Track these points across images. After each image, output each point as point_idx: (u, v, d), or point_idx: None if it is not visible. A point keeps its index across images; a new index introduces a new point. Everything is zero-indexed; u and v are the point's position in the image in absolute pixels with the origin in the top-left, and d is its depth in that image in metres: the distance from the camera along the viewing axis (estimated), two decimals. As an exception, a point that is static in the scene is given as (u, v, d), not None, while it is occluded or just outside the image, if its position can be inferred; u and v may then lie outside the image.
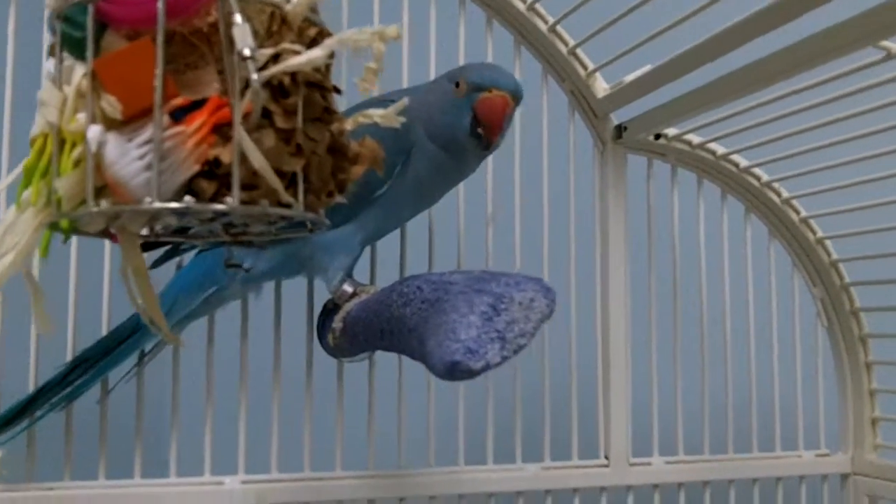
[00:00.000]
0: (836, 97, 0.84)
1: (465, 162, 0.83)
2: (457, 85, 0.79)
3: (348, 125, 0.54)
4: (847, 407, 1.07)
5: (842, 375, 1.07)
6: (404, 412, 0.92)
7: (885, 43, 0.71)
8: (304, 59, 0.48)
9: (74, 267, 0.84)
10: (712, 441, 1.02)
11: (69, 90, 0.51)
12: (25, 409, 0.81)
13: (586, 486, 0.97)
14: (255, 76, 0.47)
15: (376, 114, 0.54)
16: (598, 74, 0.97)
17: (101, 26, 0.50)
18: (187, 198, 0.48)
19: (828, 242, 1.04)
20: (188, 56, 0.50)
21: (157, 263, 0.85)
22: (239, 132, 0.48)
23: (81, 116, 0.49)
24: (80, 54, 0.50)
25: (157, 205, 0.48)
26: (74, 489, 0.83)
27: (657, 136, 0.99)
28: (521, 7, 0.95)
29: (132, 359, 0.85)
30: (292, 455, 0.90)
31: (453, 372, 0.57)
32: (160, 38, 0.47)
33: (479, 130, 0.78)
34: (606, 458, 0.98)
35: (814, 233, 1.04)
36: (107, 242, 0.82)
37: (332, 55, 0.51)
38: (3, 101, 0.83)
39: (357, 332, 0.76)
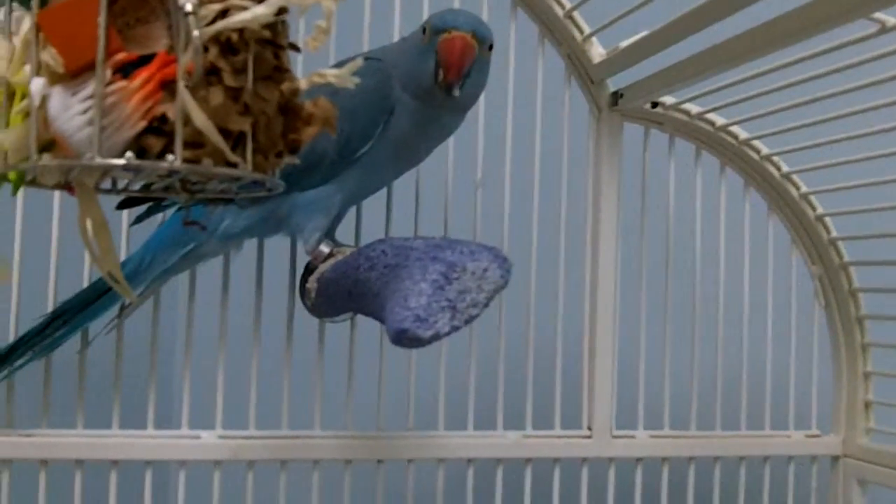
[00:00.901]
0: (838, 69, 0.81)
1: (442, 114, 0.81)
2: (423, 31, 0.78)
3: (302, 84, 0.53)
4: (841, 388, 1.05)
5: (837, 356, 1.05)
6: (385, 374, 0.92)
7: (879, 15, 0.68)
8: (248, 15, 0.47)
9: (57, 218, 0.84)
10: (700, 417, 1.00)
11: (17, 41, 0.50)
12: (5, 358, 0.82)
13: (567, 456, 0.96)
14: (196, 32, 0.46)
15: (330, 73, 0.53)
16: (594, 39, 0.95)
17: (49, -22, 0.49)
18: (129, 154, 0.47)
19: (828, 220, 1.02)
20: (138, 10, 0.50)
21: (139, 220, 0.86)
22: (182, 90, 0.47)
23: (28, 69, 0.49)
24: (27, 5, 0.49)
25: (98, 161, 0.47)
26: (52, 437, 0.84)
27: (654, 105, 0.97)
28: (520, -32, 0.93)
29: (112, 311, 0.85)
30: (270, 412, 0.90)
31: (401, 339, 0.56)
32: (104, -13, 0.47)
33: (440, 73, 0.76)
34: (589, 428, 0.97)
35: (814, 209, 1.02)
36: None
37: (283, 11, 0.49)
38: None
39: (330, 293, 0.76)
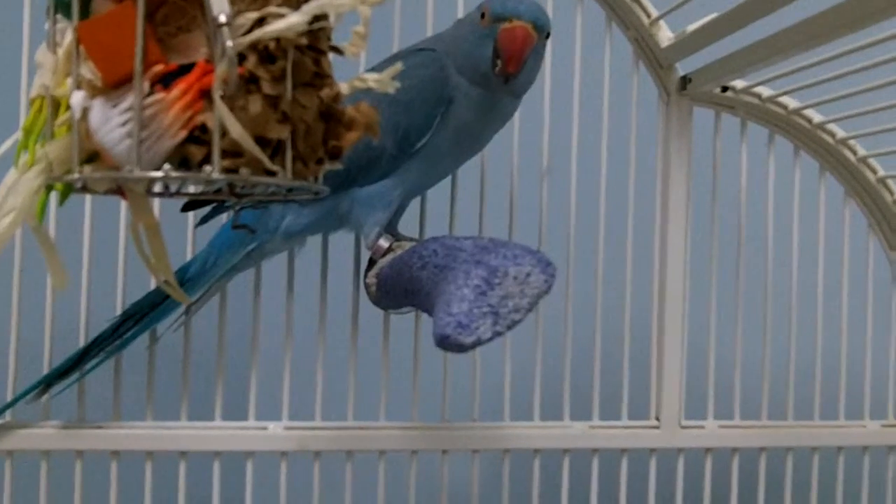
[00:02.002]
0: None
1: (499, 99, 0.80)
2: (482, 16, 0.77)
3: (344, 89, 0.53)
4: (919, 378, 1.02)
5: (917, 345, 1.02)
6: (449, 364, 0.91)
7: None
8: (282, 24, 0.47)
9: (123, 223, 0.86)
10: (771, 406, 0.98)
11: (61, 52, 0.51)
12: (79, 361, 0.84)
13: (635, 447, 0.95)
14: (229, 43, 0.46)
15: (371, 77, 0.53)
16: (661, 22, 0.92)
17: (90, -12, 0.50)
18: (167, 166, 0.48)
19: (906, 204, 0.98)
20: (180, 19, 0.50)
21: (203, 221, 0.87)
22: (218, 101, 0.47)
23: (70, 81, 0.50)
24: (70, 16, 0.50)
25: (137, 174, 0.47)
26: (123, 429, 0.86)
27: (724, 89, 0.94)
28: (584, -48, 0.91)
29: (180, 309, 0.87)
30: (336, 403, 0.91)
31: (444, 345, 0.56)
32: (140, 2, 0.47)
33: (497, 61, 0.76)
34: (657, 419, 0.96)
35: (891, 193, 0.98)
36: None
37: (320, 18, 0.49)
38: (21, 58, 0.83)
39: (388, 289, 0.76)
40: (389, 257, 0.77)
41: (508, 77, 0.76)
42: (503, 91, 0.79)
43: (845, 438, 1.00)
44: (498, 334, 0.58)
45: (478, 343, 0.57)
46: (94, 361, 0.84)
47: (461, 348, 0.56)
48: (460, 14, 0.89)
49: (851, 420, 1.00)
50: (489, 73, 0.77)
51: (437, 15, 0.91)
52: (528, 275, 0.59)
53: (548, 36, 0.79)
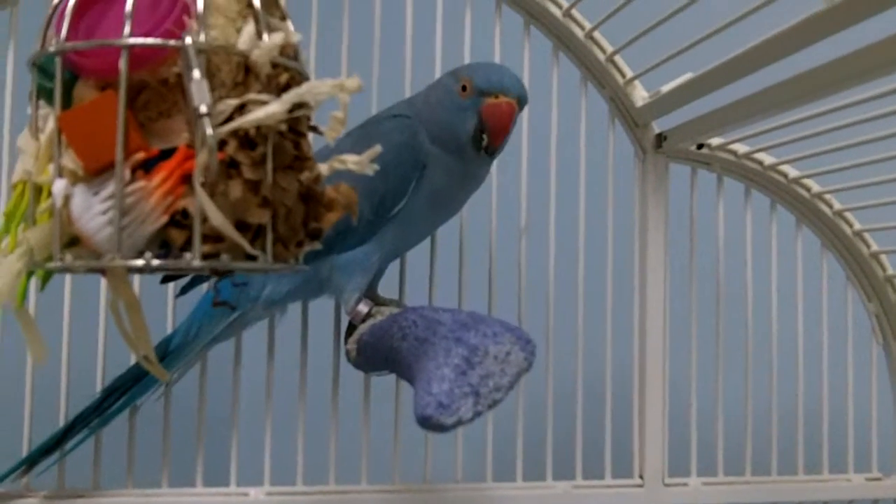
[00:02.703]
0: (889, 113, 0.79)
1: (473, 166, 0.81)
2: (463, 88, 0.78)
3: (323, 170, 0.53)
4: (901, 428, 1.02)
5: (897, 395, 1.02)
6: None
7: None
8: (262, 113, 0.47)
9: (103, 297, 0.86)
10: (755, 461, 0.98)
11: (43, 139, 0.51)
12: (63, 437, 0.83)
13: (619, 505, 0.95)
14: (209, 132, 0.46)
15: (350, 160, 0.53)
16: (636, 82, 0.94)
17: (73, 76, 0.50)
18: (148, 254, 0.48)
19: (883, 257, 0.99)
20: (161, 104, 0.50)
21: (184, 291, 0.87)
22: (199, 189, 0.47)
23: (52, 167, 0.50)
24: (52, 102, 0.50)
25: (119, 262, 0.47)
26: (105, 497, 0.85)
27: (700, 146, 0.95)
28: (558, 13, 0.92)
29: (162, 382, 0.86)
30: (318, 467, 0.90)
31: (425, 425, 0.56)
32: (122, 92, 0.47)
33: (483, 135, 0.77)
34: (641, 477, 0.95)
35: (868, 246, 0.99)
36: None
37: (299, 107, 0.49)
38: (2, 141, 0.84)
39: (368, 356, 0.76)
40: (369, 323, 0.77)
41: (494, 151, 0.78)
42: (482, 160, 0.80)
43: (830, 493, 1.00)
44: (478, 414, 0.58)
45: (459, 423, 0.57)
46: (77, 437, 0.84)
47: (442, 428, 0.56)
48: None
49: (835, 474, 1.01)
50: (468, 144, 0.78)
51: (415, 79, 0.92)
52: (508, 353, 0.59)
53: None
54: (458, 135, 0.78)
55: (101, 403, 0.83)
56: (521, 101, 0.78)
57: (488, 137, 0.76)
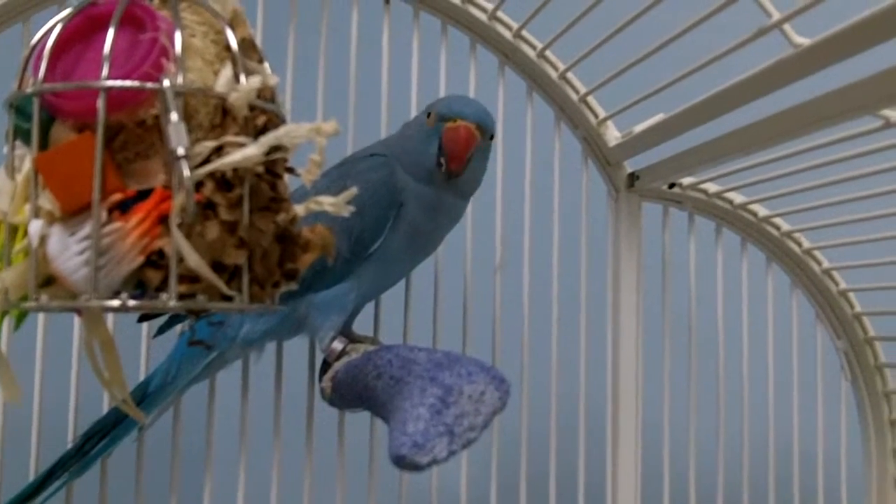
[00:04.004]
0: (856, 154, 0.80)
1: (447, 197, 0.81)
2: (428, 116, 0.80)
3: (300, 212, 0.53)
4: (870, 465, 1.03)
5: (865, 432, 1.03)
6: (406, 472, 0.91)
7: (885, 112, 0.67)
8: (239, 156, 0.48)
9: (77, 338, 0.86)
10: (727, 499, 0.98)
11: (20, 179, 0.51)
12: (42, 484, 0.82)
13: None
14: (187, 174, 0.46)
15: (326, 201, 0.53)
16: (609, 122, 0.95)
17: (50, 117, 0.50)
18: (123, 295, 0.48)
19: (851, 294, 1.01)
20: (138, 145, 0.50)
21: (160, 332, 0.87)
22: (175, 231, 0.47)
23: (29, 208, 0.50)
24: (29, 142, 0.50)
25: (95, 303, 0.48)
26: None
27: (671, 186, 0.96)
28: (532, 54, 0.93)
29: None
30: (292, 506, 0.90)
31: (400, 465, 0.56)
32: (100, 134, 0.47)
33: (442, 160, 0.78)
34: (614, 516, 0.96)
35: (836, 284, 1.00)
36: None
37: (276, 150, 0.50)
38: None
39: (343, 393, 0.76)
40: (344, 361, 0.77)
41: (451, 174, 0.78)
42: (449, 190, 0.81)
43: (801, 528, 1.00)
44: (453, 453, 0.58)
45: (434, 463, 0.57)
46: (57, 483, 0.83)
47: (417, 468, 0.56)
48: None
49: (806, 511, 1.01)
50: (434, 169, 0.79)
51: (391, 120, 0.93)
52: (483, 393, 0.60)
53: (492, 137, 0.81)
54: (423, 160, 0.79)
55: (81, 447, 0.82)
56: (483, 127, 0.79)
57: (445, 160, 0.77)
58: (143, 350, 0.88)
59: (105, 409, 0.85)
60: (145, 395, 0.82)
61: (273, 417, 0.89)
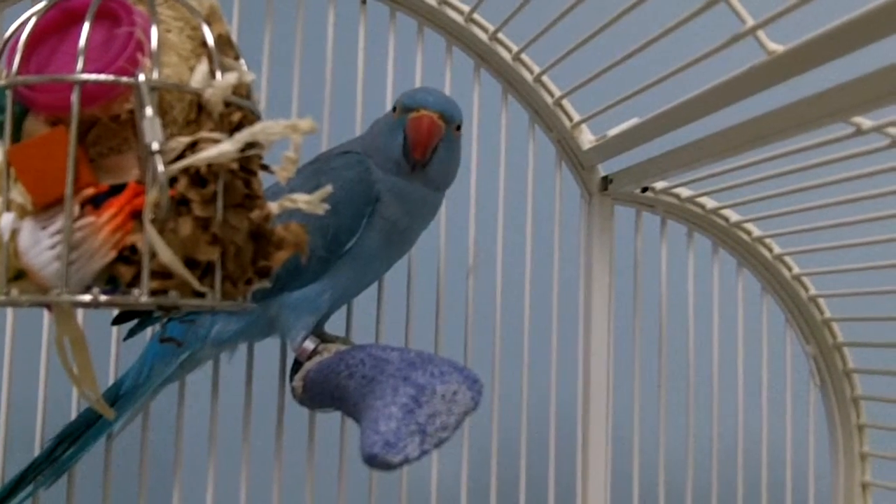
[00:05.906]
0: (828, 161, 0.81)
1: (419, 189, 0.81)
2: (393, 109, 0.80)
3: (274, 209, 0.53)
4: (838, 470, 1.04)
5: (833, 437, 1.04)
6: (376, 472, 0.91)
7: (856, 119, 0.68)
8: (214, 152, 0.48)
9: (45, 340, 0.85)
10: (696, 502, 0.99)
11: (-9, 172, 0.51)
12: (15, 488, 0.82)
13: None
14: (160, 169, 0.46)
15: (301, 199, 0.53)
16: (583, 126, 0.95)
17: (24, 110, 0.50)
18: (95, 290, 0.48)
19: (821, 300, 1.01)
20: (112, 139, 0.50)
21: (132, 334, 0.86)
22: (148, 225, 0.47)
23: (0, 201, 0.49)
24: (2, 136, 0.50)
25: (66, 297, 0.47)
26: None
27: (644, 189, 0.97)
28: (507, 56, 0.94)
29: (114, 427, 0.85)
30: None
31: (372, 463, 0.56)
32: (73, 128, 0.47)
33: (407, 150, 0.78)
34: (584, 519, 0.96)
35: (806, 290, 1.01)
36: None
37: (251, 146, 0.50)
38: None
39: (314, 393, 0.76)
40: (316, 360, 0.77)
41: (416, 163, 0.79)
42: (420, 181, 0.81)
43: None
44: (425, 452, 0.58)
45: (405, 461, 0.57)
46: (28, 489, 0.82)
47: (388, 467, 0.56)
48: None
49: (774, 516, 1.02)
50: (401, 160, 0.79)
51: (366, 118, 0.92)
52: (456, 393, 0.60)
53: (459, 128, 0.81)
54: (390, 151, 0.80)
55: (52, 451, 0.81)
56: (447, 117, 0.79)
57: (408, 149, 0.78)
58: (113, 352, 0.87)
59: (74, 412, 0.85)
60: (117, 397, 0.81)
61: (243, 418, 0.88)
